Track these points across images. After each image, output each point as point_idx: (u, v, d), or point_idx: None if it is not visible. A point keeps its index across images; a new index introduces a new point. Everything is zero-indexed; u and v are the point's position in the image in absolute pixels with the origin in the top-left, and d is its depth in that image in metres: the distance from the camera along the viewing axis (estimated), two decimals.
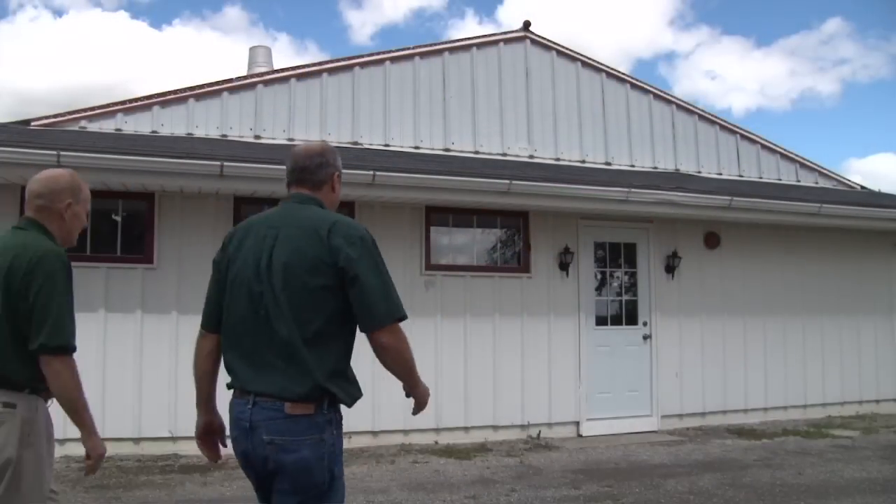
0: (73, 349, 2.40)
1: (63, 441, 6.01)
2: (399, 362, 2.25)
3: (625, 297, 8.37)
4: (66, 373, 2.36)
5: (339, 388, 2.22)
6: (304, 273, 2.18)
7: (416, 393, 2.37)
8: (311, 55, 61.01)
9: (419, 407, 2.41)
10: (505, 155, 9.11)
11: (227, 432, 2.34)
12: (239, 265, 2.29)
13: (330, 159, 2.43)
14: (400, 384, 2.39)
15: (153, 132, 7.79)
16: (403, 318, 2.23)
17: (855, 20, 51.50)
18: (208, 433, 2.45)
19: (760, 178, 10.60)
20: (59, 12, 54.32)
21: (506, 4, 59.33)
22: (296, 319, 2.17)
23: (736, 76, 58.14)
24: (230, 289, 2.30)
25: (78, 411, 2.40)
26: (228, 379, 2.32)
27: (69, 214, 2.57)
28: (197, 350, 2.40)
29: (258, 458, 2.19)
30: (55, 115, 7.66)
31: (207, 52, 52.02)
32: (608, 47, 56.85)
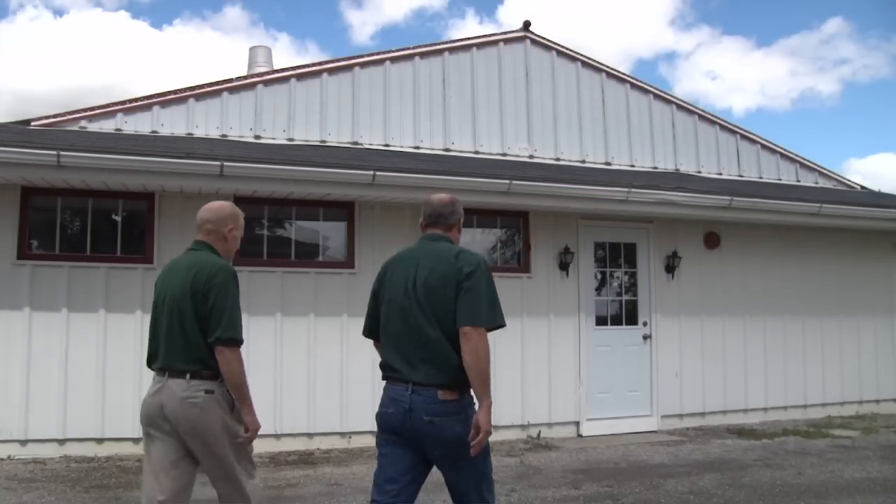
0: (242, 342, 2.93)
1: (63, 441, 6.11)
2: (475, 360, 2.71)
3: (625, 297, 8.37)
4: (235, 360, 2.90)
5: None
6: (439, 287, 2.82)
7: (481, 402, 2.73)
8: (312, 55, 61.06)
9: (480, 421, 2.71)
10: (505, 155, 9.10)
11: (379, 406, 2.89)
12: (391, 289, 2.96)
13: (458, 208, 3.12)
14: None
15: (153, 132, 7.78)
16: (497, 325, 2.80)
17: (855, 20, 51.56)
18: None
19: (760, 178, 10.60)
20: (59, 12, 54.36)
21: (506, 4, 59.40)
22: (438, 322, 2.78)
23: (736, 76, 58.20)
24: (386, 308, 2.97)
25: (243, 391, 2.95)
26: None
27: (231, 237, 3.22)
28: (378, 350, 3.09)
29: (412, 430, 2.79)
30: (55, 115, 7.65)
31: (207, 52, 52.06)
32: (608, 47, 56.93)
